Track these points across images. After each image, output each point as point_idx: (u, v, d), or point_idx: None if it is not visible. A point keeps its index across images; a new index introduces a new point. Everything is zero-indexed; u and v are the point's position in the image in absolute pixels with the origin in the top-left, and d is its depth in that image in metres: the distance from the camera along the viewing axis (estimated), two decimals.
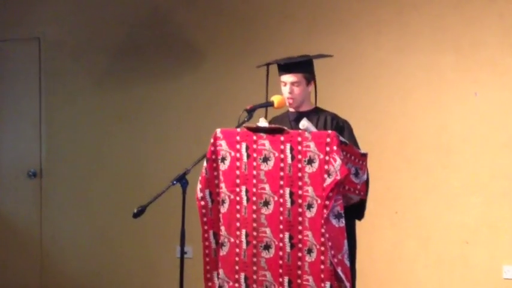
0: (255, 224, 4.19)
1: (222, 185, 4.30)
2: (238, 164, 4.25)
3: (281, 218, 4.12)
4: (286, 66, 4.52)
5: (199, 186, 4.32)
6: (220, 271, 4.31)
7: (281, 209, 4.12)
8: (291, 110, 4.65)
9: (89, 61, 7.60)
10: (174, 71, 7.25)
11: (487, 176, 6.05)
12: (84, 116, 7.63)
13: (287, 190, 4.11)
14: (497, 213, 6.01)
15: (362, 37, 6.50)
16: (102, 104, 7.56)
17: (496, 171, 6.02)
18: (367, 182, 4.29)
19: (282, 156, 4.13)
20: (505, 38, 6.02)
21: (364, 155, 4.19)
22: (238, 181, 4.25)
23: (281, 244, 4.12)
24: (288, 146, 4.11)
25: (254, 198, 4.19)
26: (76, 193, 7.65)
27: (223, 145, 4.30)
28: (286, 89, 4.52)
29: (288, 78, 4.51)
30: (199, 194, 4.32)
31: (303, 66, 4.55)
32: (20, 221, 7.86)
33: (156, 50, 7.32)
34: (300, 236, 4.09)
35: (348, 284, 4.00)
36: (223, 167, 4.30)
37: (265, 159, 4.17)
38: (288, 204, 4.10)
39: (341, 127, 4.50)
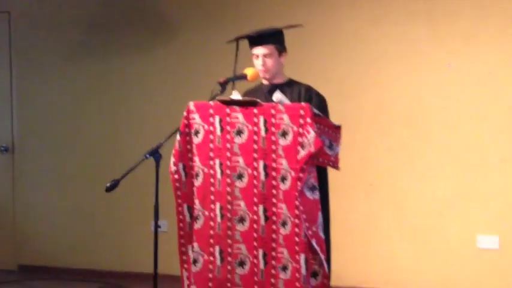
0: (229, 197, 4.18)
1: (196, 158, 4.28)
2: (211, 137, 4.23)
3: (255, 191, 4.11)
4: (257, 39, 4.49)
5: (172, 159, 4.30)
6: (195, 244, 4.30)
7: (255, 181, 4.11)
8: (265, 82, 4.62)
9: (61, 34, 7.50)
10: (147, 44, 7.19)
11: (461, 147, 6.08)
12: (57, 90, 7.56)
13: (261, 163, 4.10)
14: (471, 184, 6.05)
15: (336, 9, 6.47)
16: (74, 78, 7.48)
17: (469, 142, 6.05)
18: None
19: (255, 129, 4.11)
20: (479, 9, 6.02)
21: (338, 127, 4.18)
22: (211, 154, 4.23)
23: (255, 217, 4.12)
24: (262, 118, 4.09)
25: (228, 172, 4.18)
26: (49, 168, 7.59)
27: (196, 118, 4.27)
28: (259, 62, 4.50)
29: (259, 50, 4.48)
30: (173, 168, 4.30)
31: (274, 38, 4.52)
32: None
33: (129, 23, 7.25)
34: (274, 209, 4.08)
35: (322, 256, 4.01)
36: (196, 140, 4.28)
37: (239, 132, 4.15)
38: (262, 177, 4.10)
39: (313, 99, 4.47)
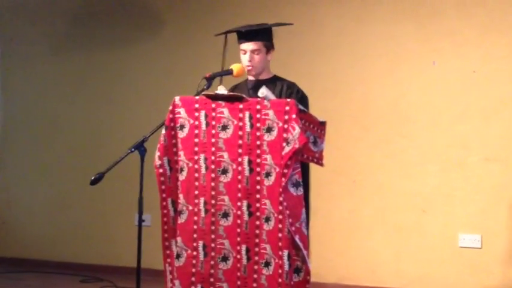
0: (213, 192, 4.18)
1: (181, 152, 4.28)
2: (196, 132, 4.23)
3: (239, 186, 4.12)
4: (246, 34, 4.49)
5: (157, 153, 4.30)
6: (179, 239, 4.30)
7: (239, 177, 4.12)
8: (250, 78, 4.63)
9: (46, 26, 7.48)
10: (133, 37, 7.18)
11: (443, 145, 6.10)
12: (42, 82, 7.54)
13: (245, 158, 4.10)
14: (453, 182, 6.08)
15: (322, 6, 6.49)
16: (59, 70, 7.46)
17: (453, 140, 6.08)
18: None
19: (240, 124, 4.11)
20: (463, 8, 6.06)
21: (323, 124, 4.19)
22: (196, 149, 4.23)
23: (239, 212, 4.12)
24: (247, 114, 4.10)
25: (213, 166, 4.18)
26: (33, 159, 7.57)
27: (182, 113, 4.27)
28: (246, 57, 4.50)
29: (247, 46, 4.49)
30: (158, 162, 4.29)
31: (263, 35, 4.52)
32: None
33: (115, 15, 7.24)
34: (258, 204, 4.09)
35: (305, 252, 4.01)
36: (181, 134, 4.27)
37: (224, 127, 4.15)
38: (247, 173, 4.10)
39: (294, 96, 4.47)
